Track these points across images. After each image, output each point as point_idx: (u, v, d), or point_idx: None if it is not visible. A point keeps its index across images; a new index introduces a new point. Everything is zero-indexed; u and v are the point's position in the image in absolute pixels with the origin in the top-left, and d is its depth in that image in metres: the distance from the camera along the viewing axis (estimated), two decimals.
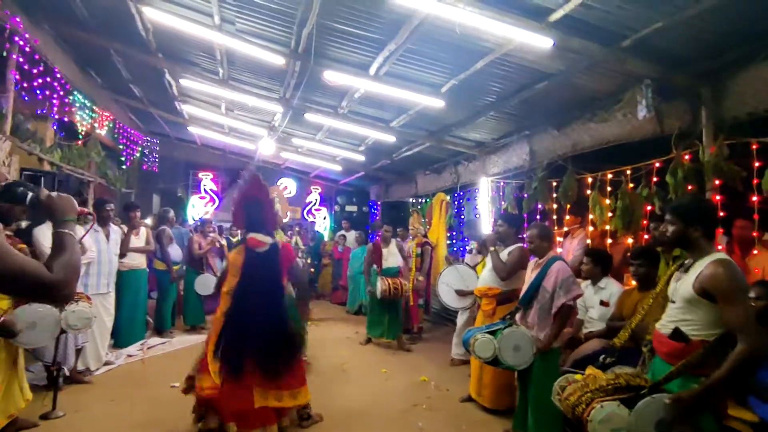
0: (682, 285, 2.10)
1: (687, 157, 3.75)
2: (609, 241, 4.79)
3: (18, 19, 4.70)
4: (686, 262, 2.18)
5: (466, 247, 6.72)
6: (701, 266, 2.04)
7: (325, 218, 13.01)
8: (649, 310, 2.38)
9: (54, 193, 1.50)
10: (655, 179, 4.18)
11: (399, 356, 5.89)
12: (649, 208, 4.22)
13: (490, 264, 4.25)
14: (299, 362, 3.35)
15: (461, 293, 5.28)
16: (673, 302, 2.16)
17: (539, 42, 3.51)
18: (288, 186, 13.05)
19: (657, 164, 4.12)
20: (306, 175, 12.91)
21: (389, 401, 4.22)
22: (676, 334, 2.09)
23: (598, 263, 3.83)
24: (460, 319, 5.54)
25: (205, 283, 6.56)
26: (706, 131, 3.62)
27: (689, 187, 3.66)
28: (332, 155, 9.72)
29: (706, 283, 1.98)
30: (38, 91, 5.49)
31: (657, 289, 2.37)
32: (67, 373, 4.10)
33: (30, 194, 1.51)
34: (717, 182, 3.52)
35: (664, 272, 3.28)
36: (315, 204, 13.09)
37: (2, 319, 2.86)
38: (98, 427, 3.45)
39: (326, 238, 11.31)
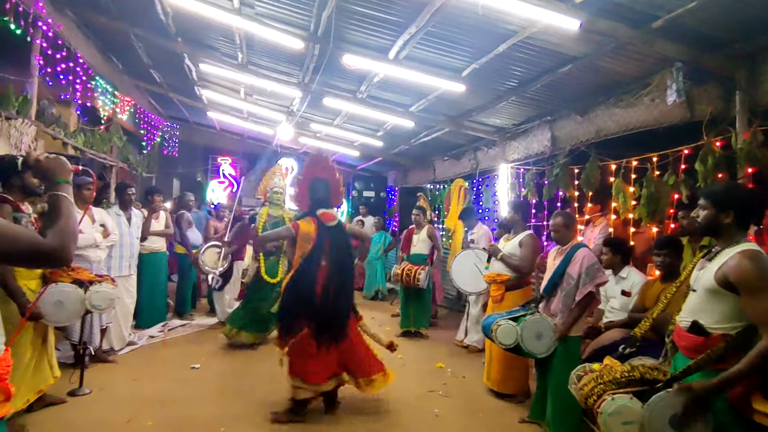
0: (704, 274, 2.02)
1: (718, 143, 3.61)
2: (632, 230, 4.68)
3: (41, 4, 4.75)
4: (713, 249, 2.09)
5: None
6: (727, 255, 1.95)
7: (342, 203, 13.00)
8: (671, 301, 2.31)
9: (43, 155, 1.44)
10: (683, 167, 4.04)
11: (415, 342, 5.90)
12: (676, 196, 4.09)
13: (504, 249, 4.22)
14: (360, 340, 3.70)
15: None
16: (694, 290, 2.08)
17: (565, 24, 3.39)
18: (290, 167, 12.58)
19: (686, 151, 3.98)
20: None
21: (405, 387, 4.24)
22: (695, 328, 2.02)
23: (618, 252, 3.75)
24: (474, 308, 5.52)
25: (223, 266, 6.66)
26: (739, 117, 3.47)
27: (720, 176, 3.53)
28: (350, 140, 9.68)
29: (729, 274, 1.88)
30: (61, 77, 5.56)
31: (681, 278, 2.30)
32: (93, 353, 4.23)
33: (20, 158, 1.49)
34: (750, 170, 3.38)
35: (690, 262, 3.20)
36: None
37: (30, 303, 2.96)
38: (122, 404, 3.55)
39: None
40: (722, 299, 1.93)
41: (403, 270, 5.98)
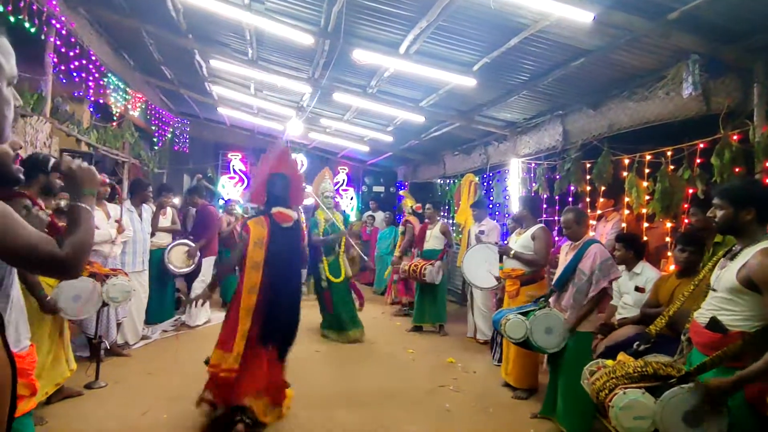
0: (726, 273, 1.99)
1: (735, 137, 3.55)
2: (645, 225, 4.62)
3: (54, 3, 4.79)
4: (734, 248, 2.06)
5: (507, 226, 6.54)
6: (749, 254, 1.92)
7: (352, 198, 13.04)
8: (689, 298, 2.29)
9: (76, 162, 1.41)
10: (698, 161, 3.98)
11: (425, 337, 5.92)
12: (690, 191, 4.04)
13: (515, 246, 4.21)
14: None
15: (499, 280, 5.09)
16: (714, 290, 2.06)
17: (579, 16, 3.34)
18: (301, 161, 12.29)
19: (701, 145, 3.92)
20: (333, 156, 12.91)
21: (416, 382, 4.25)
22: (713, 324, 1.99)
23: (630, 248, 3.71)
24: (481, 301, 5.51)
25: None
26: (758, 110, 3.40)
27: (737, 170, 3.47)
28: (360, 135, 9.67)
29: (752, 273, 1.86)
30: (75, 74, 5.62)
31: (700, 275, 2.27)
32: (108, 346, 4.30)
33: (52, 159, 1.48)
34: None
35: (708, 258, 3.16)
36: (342, 184, 13.11)
37: (47, 299, 3.02)
38: (138, 397, 3.61)
39: (353, 219, 11.35)
40: (744, 298, 1.91)
41: (410, 266, 6.01)
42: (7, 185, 1.44)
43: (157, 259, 5.52)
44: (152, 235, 5.26)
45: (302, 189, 3.59)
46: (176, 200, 7.97)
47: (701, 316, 2.08)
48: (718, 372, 1.93)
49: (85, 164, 1.42)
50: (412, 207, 7.58)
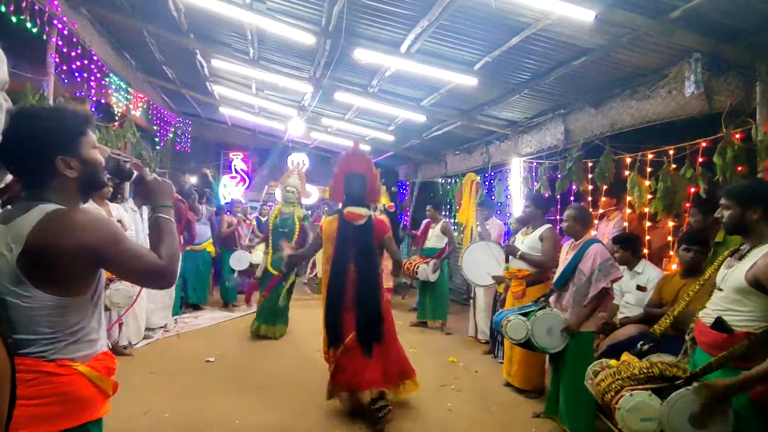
0: (733, 273, 1.98)
1: (738, 136, 3.53)
2: (648, 224, 4.61)
3: (56, 3, 4.80)
4: (742, 247, 2.04)
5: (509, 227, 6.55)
6: (758, 254, 1.90)
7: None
8: (694, 297, 2.27)
9: (157, 177, 1.51)
10: (700, 160, 3.97)
11: (426, 336, 5.92)
12: (692, 190, 4.03)
13: (521, 246, 4.19)
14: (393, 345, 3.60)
15: (497, 279, 5.08)
16: (720, 290, 2.05)
17: (580, 15, 3.33)
18: (301, 162, 12.50)
19: (704, 144, 3.91)
20: (335, 155, 12.91)
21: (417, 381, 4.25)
22: (718, 324, 1.98)
23: (628, 248, 3.70)
24: (483, 301, 5.51)
25: (240, 259, 6.96)
26: (760, 108, 3.39)
27: (739, 168, 3.46)
28: (361, 135, 9.67)
29: (760, 274, 1.84)
30: (76, 74, 5.62)
31: (705, 275, 2.25)
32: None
33: (135, 173, 1.54)
34: None
35: (709, 258, 3.15)
36: None
37: None
38: (140, 396, 3.61)
39: None
40: (752, 299, 1.90)
41: (407, 262, 6.18)
42: (96, 190, 1.52)
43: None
44: None
45: (377, 188, 3.69)
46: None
47: (706, 315, 2.07)
48: (723, 372, 1.92)
49: (161, 179, 1.52)
50: (384, 206, 7.64)
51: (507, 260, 4.37)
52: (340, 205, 3.58)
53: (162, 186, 1.49)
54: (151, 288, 1.37)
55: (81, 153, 1.36)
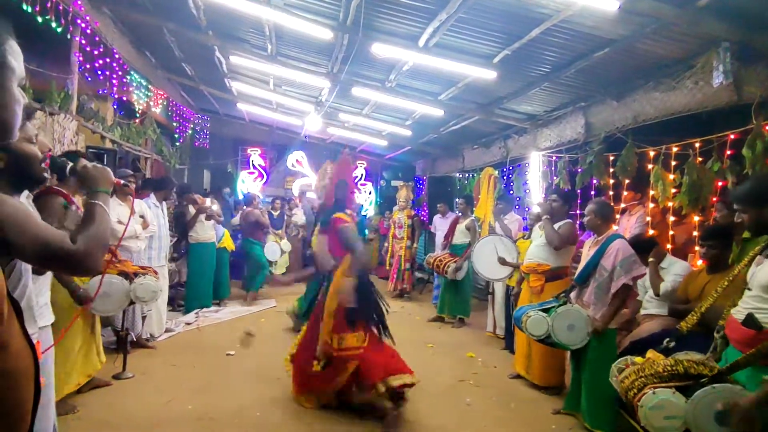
0: (761, 271, 1.93)
1: None
2: (672, 219, 4.50)
3: (80, 2, 4.89)
4: None
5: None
6: None
7: (370, 193, 13.05)
8: (723, 294, 2.22)
9: (90, 164, 1.48)
10: (728, 152, 3.85)
11: (444, 331, 5.90)
12: (720, 183, 3.92)
13: (538, 240, 4.14)
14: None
15: (503, 262, 5.10)
16: (749, 289, 2.00)
17: (603, 5, 3.26)
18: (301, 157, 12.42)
19: (732, 136, 3.79)
20: (352, 150, 12.92)
21: (436, 377, 4.24)
22: (749, 321, 1.93)
23: (642, 252, 3.41)
24: (501, 296, 5.47)
25: (273, 250, 7.81)
26: None
27: None
28: (378, 130, 9.66)
29: None
30: (99, 72, 5.73)
31: (735, 271, 2.20)
32: (134, 338, 4.40)
33: (69, 165, 1.54)
34: None
35: (736, 254, 3.06)
36: (360, 179, 13.14)
37: (80, 290, 3.10)
38: (164, 388, 3.69)
39: (371, 213, 11.38)
40: None
41: (435, 258, 6.08)
42: (34, 185, 1.51)
43: (197, 253, 6.04)
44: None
45: (353, 192, 3.96)
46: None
47: (738, 312, 2.02)
48: (754, 370, 1.87)
49: (99, 165, 1.48)
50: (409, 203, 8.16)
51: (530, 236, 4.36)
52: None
53: (96, 172, 1.45)
54: (64, 274, 1.29)
55: (9, 145, 1.30)
